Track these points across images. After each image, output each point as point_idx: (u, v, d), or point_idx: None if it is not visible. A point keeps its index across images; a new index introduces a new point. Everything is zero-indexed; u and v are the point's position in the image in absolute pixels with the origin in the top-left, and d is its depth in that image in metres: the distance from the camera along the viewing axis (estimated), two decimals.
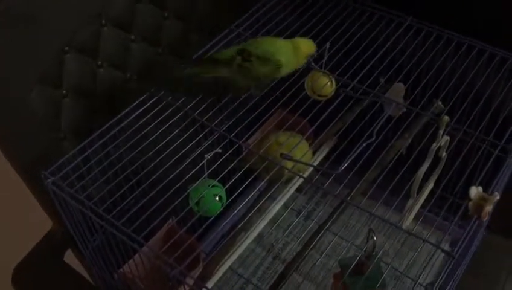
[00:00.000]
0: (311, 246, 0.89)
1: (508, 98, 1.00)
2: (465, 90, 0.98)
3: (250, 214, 0.91)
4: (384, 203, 0.86)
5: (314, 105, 0.96)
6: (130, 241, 0.76)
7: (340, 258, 0.97)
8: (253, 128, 0.95)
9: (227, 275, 1.23)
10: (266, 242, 1.32)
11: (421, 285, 1.14)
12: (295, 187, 1.08)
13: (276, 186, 0.98)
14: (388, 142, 0.97)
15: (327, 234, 1.23)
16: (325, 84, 0.99)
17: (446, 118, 0.90)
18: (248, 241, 1.01)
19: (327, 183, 0.85)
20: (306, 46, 0.98)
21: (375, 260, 0.87)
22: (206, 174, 0.87)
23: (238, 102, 0.96)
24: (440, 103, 1.04)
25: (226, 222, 0.85)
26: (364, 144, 0.86)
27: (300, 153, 0.94)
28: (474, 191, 0.80)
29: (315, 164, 1.11)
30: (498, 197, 0.79)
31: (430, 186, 1.01)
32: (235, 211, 0.83)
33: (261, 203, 0.93)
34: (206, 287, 0.76)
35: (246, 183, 0.84)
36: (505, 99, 1.00)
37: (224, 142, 0.90)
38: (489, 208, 0.79)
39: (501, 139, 0.91)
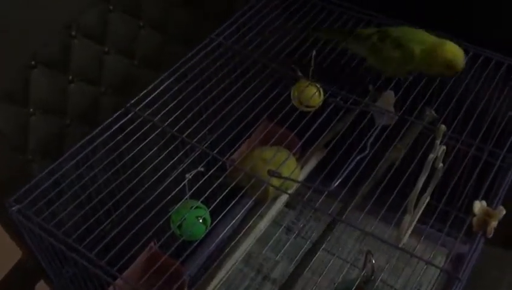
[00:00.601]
0: (307, 269, 0.83)
1: (504, 105, 0.96)
2: (459, 97, 0.94)
3: (238, 237, 0.85)
4: (379, 218, 0.80)
5: (302, 117, 0.91)
6: (104, 274, 0.69)
7: (337, 285, 0.90)
8: (238, 144, 0.89)
9: None
10: (255, 262, 1.25)
11: None
12: (283, 204, 1.02)
13: (264, 207, 0.92)
14: (379, 153, 0.92)
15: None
16: (313, 95, 0.95)
17: (443, 127, 0.85)
18: (235, 262, 0.94)
19: (319, 201, 0.79)
20: (447, 51, 0.87)
21: (375, 286, 0.81)
22: (188, 195, 0.81)
23: (220, 116, 0.90)
24: (433, 111, 0.99)
25: (212, 246, 0.79)
26: (358, 158, 0.80)
27: (288, 171, 0.88)
28: (478, 205, 0.74)
29: (303, 176, 1.05)
30: (504, 212, 0.73)
31: (426, 199, 0.96)
32: (221, 235, 0.77)
33: (248, 225, 0.86)
34: None
35: (231, 204, 0.78)
36: (501, 106, 0.95)
37: (206, 160, 0.84)
38: (494, 223, 0.73)
39: (499, 148, 0.86)
